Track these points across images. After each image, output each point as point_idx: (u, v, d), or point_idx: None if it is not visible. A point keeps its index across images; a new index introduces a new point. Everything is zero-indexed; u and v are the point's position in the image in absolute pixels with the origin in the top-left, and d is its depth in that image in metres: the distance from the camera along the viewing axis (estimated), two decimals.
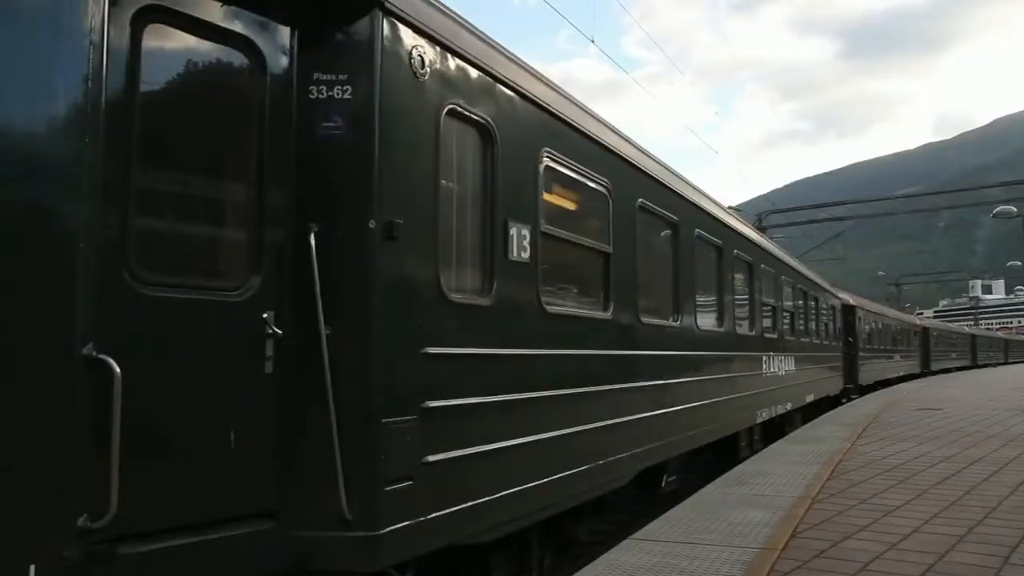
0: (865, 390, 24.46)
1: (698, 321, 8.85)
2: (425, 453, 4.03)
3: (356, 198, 3.83)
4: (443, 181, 4.36)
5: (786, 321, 14.38)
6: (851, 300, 24.24)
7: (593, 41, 15.73)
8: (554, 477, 5.36)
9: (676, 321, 8.22)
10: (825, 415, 16.62)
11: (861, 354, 24.42)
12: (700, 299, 9.08)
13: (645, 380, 7.18)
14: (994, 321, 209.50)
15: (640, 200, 7.27)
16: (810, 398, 16.36)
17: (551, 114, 5.64)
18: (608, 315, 6.44)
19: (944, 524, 5.78)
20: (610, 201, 6.58)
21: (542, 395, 5.29)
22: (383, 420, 3.77)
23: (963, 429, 12.19)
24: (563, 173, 5.89)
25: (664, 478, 7.95)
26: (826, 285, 20.28)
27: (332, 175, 3.84)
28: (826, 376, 18.87)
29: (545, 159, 5.51)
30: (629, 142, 7.29)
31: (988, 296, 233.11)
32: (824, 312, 19.16)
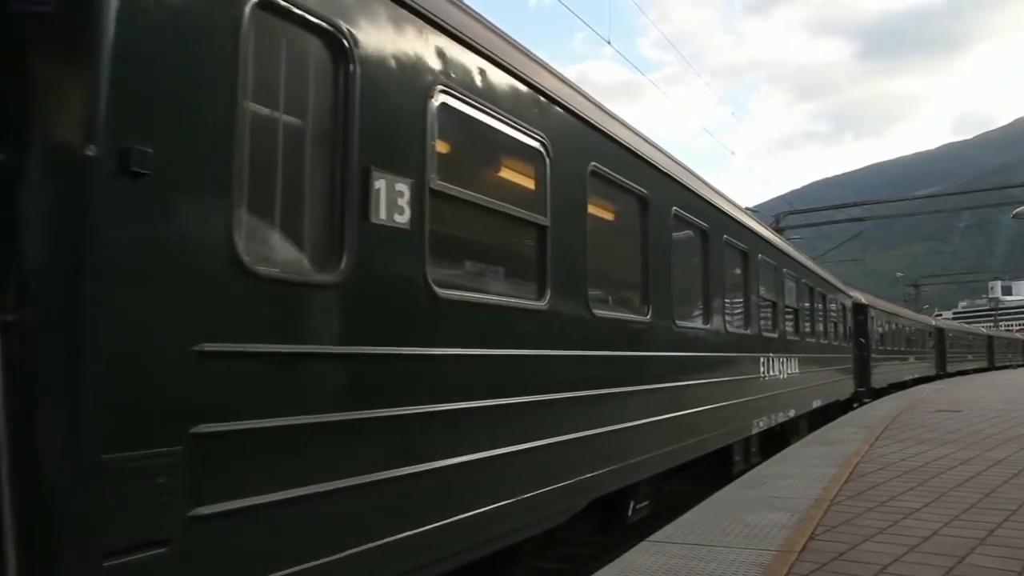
0: (878, 393, 23.52)
1: (677, 316, 7.45)
2: (196, 503, 2.69)
3: (68, 111, 2.49)
4: (249, 102, 3.00)
5: (789, 319, 12.91)
6: (863, 299, 23.20)
7: (609, 43, 15.75)
8: (443, 523, 3.96)
9: (646, 315, 6.78)
10: (843, 417, 16.43)
11: (874, 356, 23.40)
12: (680, 290, 7.65)
13: (597, 388, 5.77)
14: (1014, 323, 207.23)
15: (593, 165, 5.88)
16: (817, 403, 14.97)
17: (452, 36, 4.27)
18: (543, 305, 5.09)
19: (963, 527, 5.72)
20: (547, 161, 5.21)
21: (424, 411, 3.90)
22: (104, 456, 2.41)
23: (983, 431, 12.08)
24: (470, 116, 4.48)
25: (630, 506, 6.58)
26: (836, 282, 18.97)
27: (30, 75, 2.51)
28: (835, 379, 17.44)
29: (440, 94, 4.13)
30: (577, 91, 5.91)
31: (1008, 297, 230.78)
32: (833, 311, 17.77)
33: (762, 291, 11.06)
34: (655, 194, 7.06)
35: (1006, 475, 7.90)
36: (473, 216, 4.61)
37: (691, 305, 8.35)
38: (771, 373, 11.18)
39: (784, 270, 12.65)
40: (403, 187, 3.79)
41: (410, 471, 3.77)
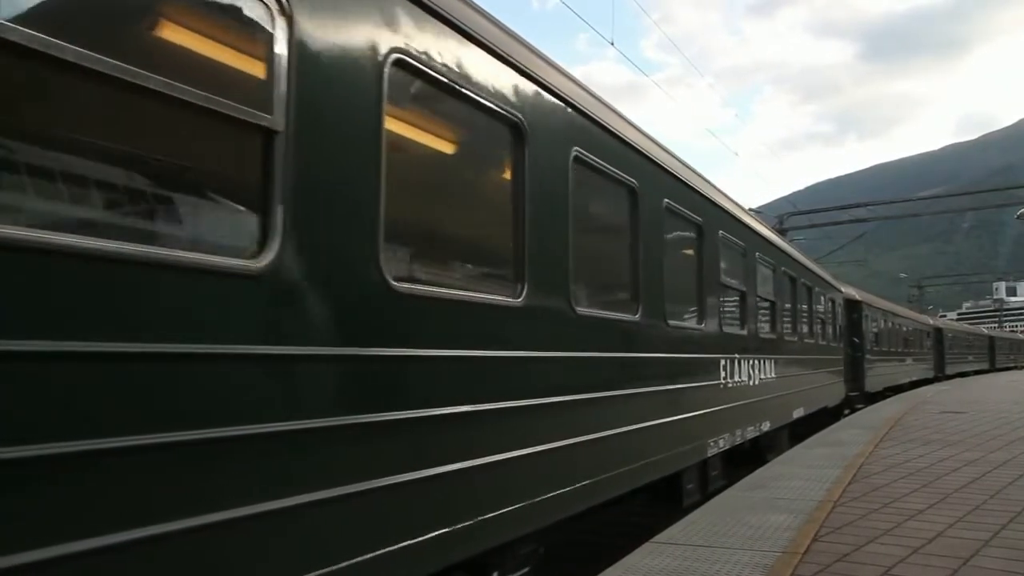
0: (873, 398, 21.73)
1: (580, 301, 5.27)
2: None
3: None
4: None
5: (764, 314, 10.83)
6: (856, 295, 21.32)
7: (612, 43, 15.76)
8: None
9: (517, 296, 4.53)
10: (847, 418, 16.35)
11: (868, 357, 21.58)
12: (588, 266, 5.61)
13: (398, 409, 3.56)
14: (1019, 324, 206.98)
15: (399, 53, 3.67)
16: (799, 413, 12.89)
17: None
18: (259, 265, 2.91)
19: (968, 528, 5.66)
20: (285, 27, 3.05)
21: None
22: None
23: (987, 432, 12.05)
24: None
25: None
26: (825, 275, 16.97)
27: None
28: (823, 383, 15.34)
29: None
30: None
31: (1013, 298, 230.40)
32: (821, 306, 15.73)
33: (725, 278, 8.82)
34: (541, 124, 4.89)
35: (1011, 476, 7.86)
36: (76, 90, 2.50)
37: (608, 287, 6.40)
38: (736, 378, 9.08)
39: (757, 255, 10.49)
40: None
41: None
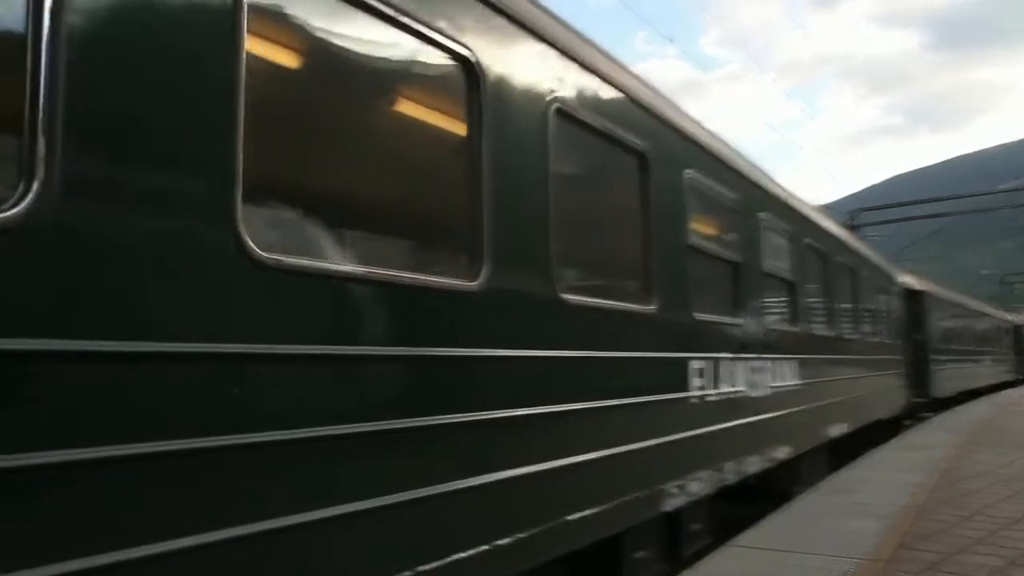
0: (943, 405, 18.44)
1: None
2: None
3: None
4: None
5: (777, 299, 8.12)
6: (917, 284, 17.71)
7: (672, 41, 15.65)
8: None
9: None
10: (930, 421, 15.69)
11: (935, 357, 18.16)
12: (351, 182, 3.36)
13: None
14: None
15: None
16: (838, 431, 9.87)
17: None
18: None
19: None
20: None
21: None
22: None
23: None
24: None
25: None
26: (875, 257, 13.69)
27: None
28: (875, 390, 12.35)
29: None
30: None
31: None
32: (871, 294, 12.68)
33: (697, 241, 5.99)
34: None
35: None
36: None
37: (409, 232, 3.64)
38: (724, 388, 6.24)
39: (762, 216, 7.54)
40: None
41: None
